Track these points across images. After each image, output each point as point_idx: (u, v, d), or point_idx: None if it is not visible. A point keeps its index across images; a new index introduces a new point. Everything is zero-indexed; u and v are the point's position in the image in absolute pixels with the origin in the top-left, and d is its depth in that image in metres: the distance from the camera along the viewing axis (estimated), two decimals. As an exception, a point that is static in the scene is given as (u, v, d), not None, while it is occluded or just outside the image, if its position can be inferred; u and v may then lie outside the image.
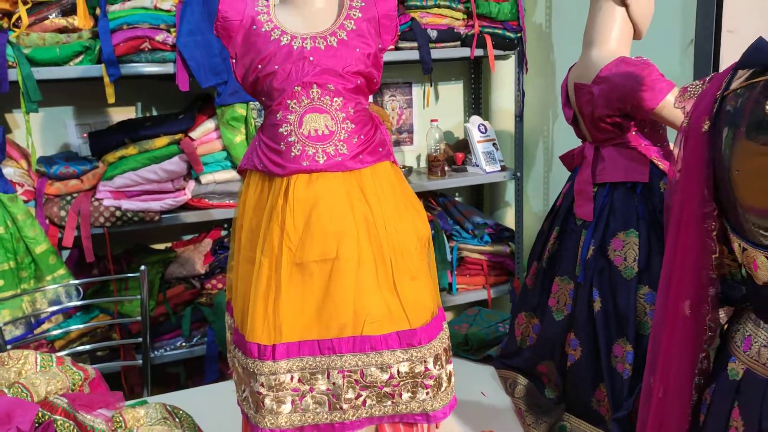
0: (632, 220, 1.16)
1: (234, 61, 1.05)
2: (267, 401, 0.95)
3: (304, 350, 0.96)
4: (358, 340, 0.96)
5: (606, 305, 1.17)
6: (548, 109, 2.56)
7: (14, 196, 1.89)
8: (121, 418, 1.23)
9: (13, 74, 1.88)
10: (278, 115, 1.01)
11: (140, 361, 2.00)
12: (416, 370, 0.97)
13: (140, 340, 1.97)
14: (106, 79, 1.93)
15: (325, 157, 1.00)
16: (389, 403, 0.98)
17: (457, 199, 2.87)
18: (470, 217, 2.59)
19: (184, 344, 2.22)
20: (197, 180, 2.12)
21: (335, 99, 1.01)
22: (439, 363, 1.00)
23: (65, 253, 2.31)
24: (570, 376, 1.23)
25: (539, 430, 1.24)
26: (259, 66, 1.01)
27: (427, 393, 0.98)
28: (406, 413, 0.99)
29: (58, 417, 1.12)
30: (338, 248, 0.97)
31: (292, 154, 1.00)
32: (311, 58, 1.00)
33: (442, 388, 1.00)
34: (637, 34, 1.27)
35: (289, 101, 1.01)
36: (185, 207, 2.13)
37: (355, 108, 1.04)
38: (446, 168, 2.55)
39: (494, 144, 2.56)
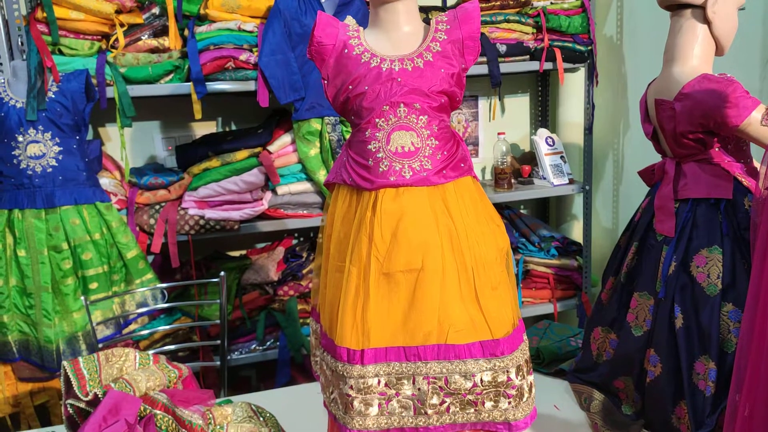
0: (716, 237, 1.15)
1: (326, 82, 1.12)
2: (356, 403, 1.01)
3: (390, 356, 1.01)
4: (442, 348, 1.00)
5: (688, 322, 1.16)
6: (618, 122, 2.53)
7: (109, 204, 2.04)
8: (211, 415, 1.32)
9: (110, 91, 2.03)
10: (367, 133, 1.07)
11: (218, 363, 2.11)
12: (499, 380, 1.00)
13: (218, 342, 2.07)
14: (194, 96, 2.05)
15: (411, 173, 1.05)
16: (472, 410, 1.01)
17: (522, 211, 2.87)
18: (536, 230, 2.58)
19: (258, 348, 2.32)
20: (274, 191, 2.22)
21: (421, 117, 1.06)
22: (520, 374, 1.02)
23: (149, 259, 2.45)
24: (649, 392, 1.22)
25: (616, 446, 1.24)
26: (350, 87, 1.07)
27: (509, 402, 1.01)
28: (488, 421, 1.02)
29: (158, 411, 1.21)
30: (423, 259, 1.02)
31: (380, 169, 1.05)
32: (399, 79, 1.05)
33: (524, 399, 1.03)
34: (719, 51, 1.26)
35: (377, 120, 1.06)
36: (262, 216, 2.23)
37: (439, 125, 1.08)
38: (513, 180, 2.56)
39: (562, 157, 2.55)
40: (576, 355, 1.66)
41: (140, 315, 2.19)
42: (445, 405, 1.01)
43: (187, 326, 2.25)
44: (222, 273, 2.00)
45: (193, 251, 2.22)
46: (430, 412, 1.00)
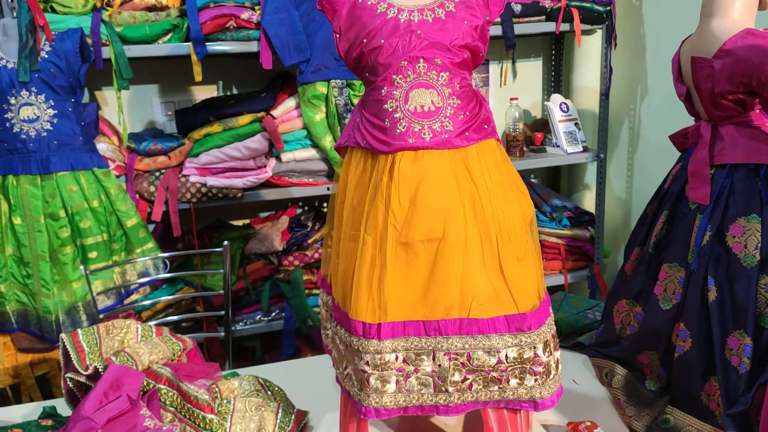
0: (755, 205, 1.08)
1: (338, 36, 1.03)
2: (372, 380, 0.95)
3: (409, 330, 0.95)
4: (464, 323, 0.94)
5: (722, 295, 1.10)
6: (635, 87, 2.43)
7: (108, 171, 1.95)
8: (217, 389, 1.26)
9: (106, 52, 1.93)
10: (383, 91, 0.99)
11: (222, 334, 2.06)
12: (525, 356, 0.94)
13: (222, 313, 2.02)
14: (194, 57, 1.96)
15: (431, 134, 0.97)
16: (496, 388, 0.95)
17: (533, 180, 2.79)
18: (548, 200, 2.51)
19: (263, 318, 2.27)
20: (278, 158, 2.14)
21: (442, 74, 0.98)
22: (547, 350, 0.96)
23: (150, 228, 2.39)
24: (677, 368, 1.17)
25: (641, 423, 1.19)
26: (365, 40, 0.99)
27: (536, 380, 0.95)
28: (512, 399, 0.96)
29: (162, 386, 1.16)
30: (445, 228, 0.94)
31: (398, 130, 0.98)
32: (418, 32, 0.97)
33: (551, 376, 0.97)
34: (762, 5, 1.17)
35: (394, 76, 0.98)
36: (266, 184, 2.15)
37: (461, 83, 1.00)
38: (524, 148, 2.47)
39: (576, 124, 2.46)
40: (594, 328, 1.60)
41: (142, 285, 2.13)
42: (467, 382, 0.95)
43: (190, 296, 2.19)
44: (225, 242, 1.93)
45: (195, 220, 2.15)
46: (451, 389, 0.94)
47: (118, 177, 2.04)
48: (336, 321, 1.04)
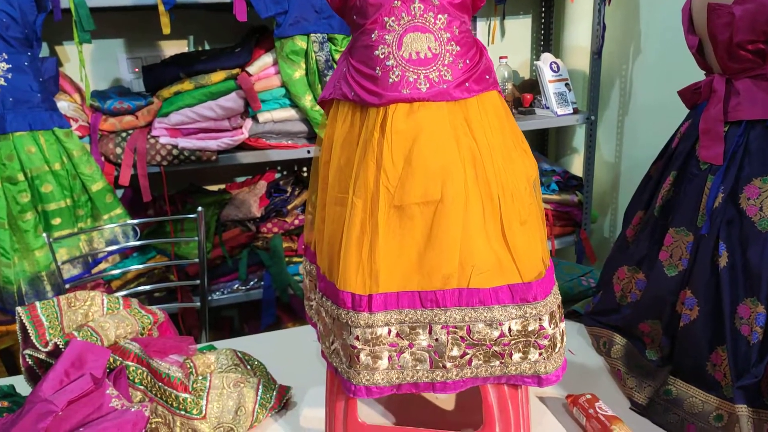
0: (772, 165, 1.01)
1: (321, -29, 0.91)
2: (362, 356, 0.86)
3: (403, 302, 0.86)
4: (464, 293, 0.85)
5: (734, 260, 1.03)
6: (628, 46, 2.34)
7: (69, 131, 1.81)
8: (192, 364, 1.17)
9: (65, 2, 1.77)
10: (373, 36, 0.88)
11: (198, 304, 1.96)
12: (530, 329, 0.86)
13: (197, 282, 1.92)
14: (161, 8, 1.80)
15: (428, 84, 0.87)
16: (497, 363, 0.87)
17: (520, 144, 2.70)
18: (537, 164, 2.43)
19: (240, 287, 2.17)
20: (254, 118, 2.01)
21: (440, 16, 0.87)
22: (553, 321, 0.89)
23: (119, 193, 2.26)
24: (682, 337, 1.11)
25: (643, 395, 1.13)
26: (352, -24, 0.87)
27: (541, 354, 0.88)
28: (515, 375, 0.88)
29: (131, 363, 1.06)
30: (443, 189, 0.85)
31: (390, 80, 0.87)
32: None
33: (556, 349, 0.89)
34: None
35: (386, 18, 0.87)
36: (242, 146, 2.03)
37: (460, 28, 0.89)
38: (513, 110, 2.38)
39: (567, 84, 2.37)
40: (588, 295, 1.54)
41: (110, 253, 2.01)
42: (467, 357, 0.87)
43: (163, 265, 2.08)
44: (200, 208, 1.82)
45: (166, 184, 2.02)
46: (449, 365, 0.86)
47: (81, 138, 1.90)
48: (321, 292, 0.94)
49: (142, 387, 1.05)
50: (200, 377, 1.13)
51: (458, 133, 0.87)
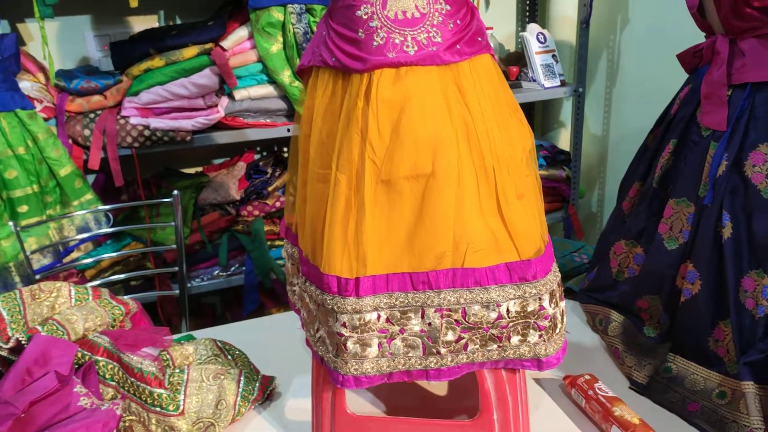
0: (778, 129, 0.95)
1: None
2: (350, 344, 0.80)
3: (393, 285, 0.80)
4: (459, 274, 0.79)
5: (738, 231, 0.98)
6: (615, 16, 2.28)
7: (33, 112, 1.71)
8: (168, 356, 1.10)
9: (22, -27, 1.65)
10: (354, -6, 0.80)
11: (177, 292, 1.89)
12: (529, 309, 0.81)
13: (176, 269, 1.84)
14: (126, -22, 1.69)
15: (416, 47, 0.79)
16: (495, 347, 0.82)
17: (505, 119, 2.63)
18: (523, 139, 2.37)
19: (221, 273, 2.10)
20: (230, 96, 1.92)
21: (426, -29, 0.80)
22: (554, 300, 0.83)
23: (90, 179, 2.16)
24: (683, 312, 1.06)
25: (642, 373, 1.09)
26: (329, -71, 0.79)
27: (541, 336, 0.82)
28: (514, 359, 0.83)
29: (100, 358, 0.99)
30: (434, 161, 0.78)
31: (375, 43, 0.79)
32: None
33: (557, 330, 0.84)
34: None
35: (368, -25, 0.79)
36: (218, 126, 1.94)
37: (449, -15, 0.82)
38: (498, 84, 2.30)
39: (554, 56, 2.30)
40: (581, 272, 1.49)
41: (82, 241, 1.92)
42: (462, 342, 0.81)
43: (139, 252, 2.00)
44: (175, 192, 1.73)
45: (139, 167, 1.93)
46: (443, 351, 0.80)
47: (46, 120, 1.79)
48: (304, 276, 0.88)
49: (113, 383, 0.98)
50: (177, 370, 1.06)
51: (449, 101, 0.80)
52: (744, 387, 0.95)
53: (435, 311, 0.79)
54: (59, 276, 1.90)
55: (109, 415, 0.88)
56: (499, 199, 0.81)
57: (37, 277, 1.78)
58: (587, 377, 1.04)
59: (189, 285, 2.04)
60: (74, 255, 1.92)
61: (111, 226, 1.89)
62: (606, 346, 1.21)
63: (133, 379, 0.96)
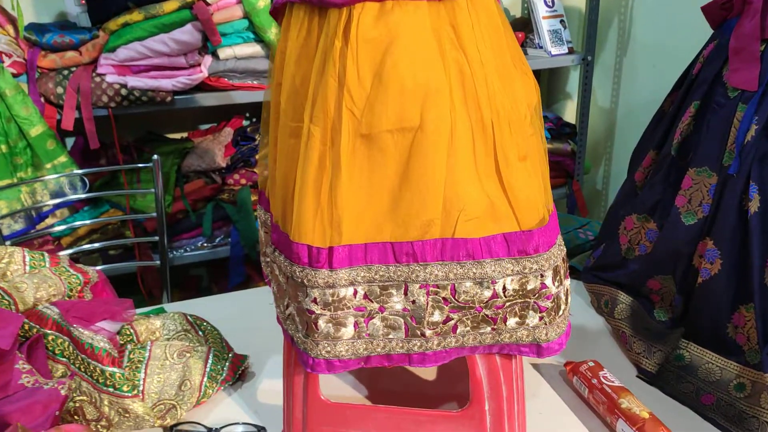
0: (818, 90, 0.84)
1: None
2: (321, 323, 0.69)
3: (372, 256, 0.69)
4: (448, 245, 0.68)
5: (766, 205, 0.87)
6: (628, -22, 2.13)
7: (1, 67, 1.59)
8: (132, 330, 1.00)
9: None
10: None
11: (158, 262, 1.79)
12: (529, 287, 0.70)
13: (156, 238, 1.74)
14: None
15: (404, -23, 0.67)
16: (488, 329, 0.71)
17: (509, 89, 2.50)
18: (527, 109, 2.24)
19: (205, 244, 1.99)
20: (214, 55, 1.79)
21: None
22: (558, 278, 0.72)
23: (69, 142, 2.05)
24: (699, 294, 0.96)
25: (652, 361, 0.99)
26: None
27: (541, 318, 0.71)
28: (509, 343, 0.72)
29: (49, 331, 0.88)
30: (423, 112, 0.67)
31: (355, -28, 0.67)
32: None
33: (560, 312, 0.73)
34: None
35: None
36: (201, 87, 1.81)
37: None
38: (503, 50, 2.17)
39: (562, 21, 2.16)
40: (586, 249, 1.38)
41: (57, 207, 1.82)
42: (451, 323, 0.70)
43: (118, 220, 1.89)
44: (155, 156, 1.62)
45: (116, 130, 1.81)
46: (428, 332, 0.70)
47: (15, 76, 1.67)
48: (274, 245, 0.77)
49: (64, 359, 0.88)
50: (138, 347, 0.96)
51: (443, 42, 0.68)
52: (767, 379, 0.85)
53: (420, 287, 0.69)
54: (33, 243, 1.80)
55: (52, 396, 0.78)
56: (498, 159, 0.70)
57: (8, 243, 1.68)
58: (591, 364, 0.94)
59: (171, 256, 1.94)
60: (49, 221, 1.82)
61: (88, 192, 1.78)
62: (612, 330, 1.10)
63: (83, 356, 0.86)
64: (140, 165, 1.70)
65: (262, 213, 0.91)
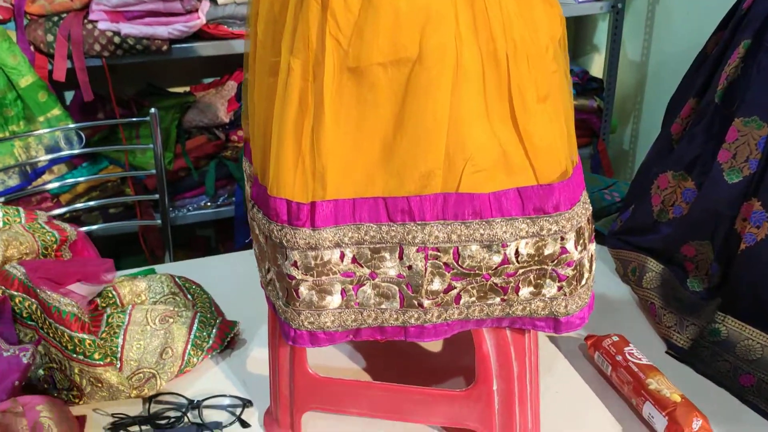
0: None
1: None
2: (303, 290, 0.60)
3: (361, 213, 0.59)
4: (451, 201, 0.58)
5: (828, 160, 0.75)
6: None
7: (-15, 12, 1.49)
8: (114, 293, 0.93)
9: None
10: None
11: (159, 221, 1.71)
12: (547, 252, 0.59)
13: (157, 196, 1.66)
14: None
15: None
16: (497, 300, 0.61)
17: (532, 41, 2.34)
18: (551, 62, 2.09)
19: (209, 204, 1.91)
20: (213, 0, 1.67)
21: None
22: (581, 241, 0.62)
23: (69, 96, 1.96)
24: (741, 262, 0.84)
25: (684, 335, 0.89)
26: None
27: (560, 288, 0.61)
28: (522, 316, 0.62)
29: (16, 293, 0.81)
30: (422, 42, 0.56)
31: None
32: None
33: (583, 281, 0.63)
34: None
35: None
36: (200, 36, 1.70)
37: None
38: None
39: (591, -37, 1.99)
40: (612, 212, 1.27)
41: (53, 162, 1.74)
42: (454, 292, 0.60)
43: (117, 177, 1.82)
44: (153, 110, 1.52)
45: (111, 81, 1.71)
46: (427, 303, 0.60)
47: (3, 23, 1.58)
48: (253, 200, 0.67)
49: (33, 323, 0.81)
50: (118, 311, 0.89)
51: (447, -44, 0.56)
52: (818, 359, 0.75)
53: (417, 251, 0.59)
54: (31, 200, 1.74)
55: (12, 364, 0.71)
56: (513, 99, 0.59)
57: (1, 199, 1.61)
58: (615, 339, 0.84)
59: (173, 215, 1.87)
60: (46, 177, 1.75)
61: (84, 147, 1.70)
62: (639, 301, 1.00)
63: (51, 320, 0.78)
64: (138, 119, 1.61)
65: (247, 166, 0.81)
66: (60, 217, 1.69)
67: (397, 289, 0.60)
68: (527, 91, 0.59)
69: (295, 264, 0.60)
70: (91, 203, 1.74)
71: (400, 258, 0.59)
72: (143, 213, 1.85)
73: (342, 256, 0.60)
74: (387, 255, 0.59)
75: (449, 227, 0.58)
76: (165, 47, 1.63)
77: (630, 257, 1.02)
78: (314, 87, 0.57)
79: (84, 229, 1.69)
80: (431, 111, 0.56)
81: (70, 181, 1.66)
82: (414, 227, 0.58)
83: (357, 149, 0.58)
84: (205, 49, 1.70)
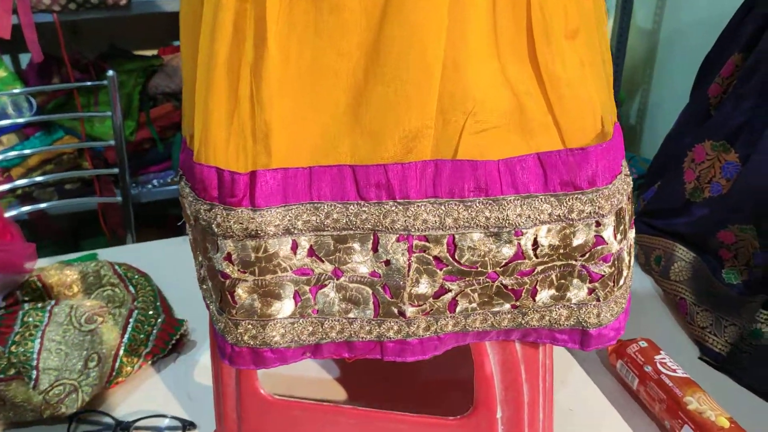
0: None
1: None
2: (241, 293, 0.44)
3: (321, 187, 0.43)
4: (446, 171, 0.42)
5: None
6: None
7: None
8: (39, 284, 0.77)
9: None
10: None
11: (119, 198, 1.55)
12: (575, 242, 0.44)
13: (117, 170, 1.49)
14: None
15: None
16: (506, 307, 0.45)
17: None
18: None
19: (175, 179, 1.74)
20: (179, -52, 1.48)
21: None
22: (621, 227, 0.46)
23: (25, 60, 1.78)
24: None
25: (722, 338, 0.74)
26: None
27: (593, 290, 0.45)
28: (539, 328, 0.47)
29: None
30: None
31: None
32: None
33: (621, 280, 0.47)
34: None
35: None
36: (164, -11, 1.52)
37: None
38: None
39: None
40: (635, 189, 1.11)
41: (1, 131, 1.57)
42: (447, 297, 0.44)
43: (73, 148, 1.64)
44: (110, 72, 1.35)
45: (65, 41, 1.53)
46: (410, 311, 0.44)
47: (-65, -31, 1.38)
48: (181, 170, 0.51)
49: None
50: (37, 307, 0.73)
51: None
52: None
53: (398, 240, 0.43)
54: (-23, 174, 1.57)
55: None
56: (533, 33, 0.42)
57: (-61, 173, 1.44)
58: (643, 344, 0.69)
59: (136, 191, 1.70)
60: (-7, 149, 1.58)
61: (36, 115, 1.53)
62: (664, 296, 0.85)
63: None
64: (94, 83, 1.44)
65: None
66: (10, 192, 1.52)
67: (370, 292, 0.44)
68: (553, 22, 0.42)
69: (228, 257, 0.43)
70: (45, 177, 1.57)
71: (375, 250, 0.43)
72: (103, 189, 1.68)
73: (294, 248, 0.43)
74: (356, 246, 0.43)
75: (442, 208, 0.42)
76: (123, 2, 1.45)
77: (654, 243, 0.87)
78: (254, 9, 0.40)
79: (38, 206, 1.53)
80: (418, 45, 0.40)
81: (20, 152, 1.49)
82: (393, 207, 0.42)
83: (314, 99, 0.42)
84: (170, 3, 1.52)
